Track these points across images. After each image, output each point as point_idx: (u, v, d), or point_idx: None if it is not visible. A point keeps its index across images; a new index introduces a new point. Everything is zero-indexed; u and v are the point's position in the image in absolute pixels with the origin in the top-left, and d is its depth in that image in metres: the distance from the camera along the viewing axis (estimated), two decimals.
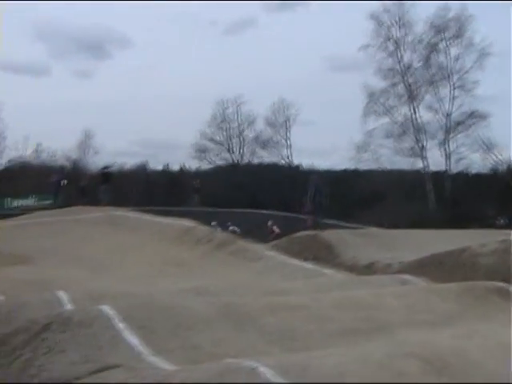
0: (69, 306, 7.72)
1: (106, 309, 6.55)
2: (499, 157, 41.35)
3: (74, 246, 18.88)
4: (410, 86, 46.10)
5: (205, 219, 20.80)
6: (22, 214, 31.51)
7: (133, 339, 6.07)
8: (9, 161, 53.39)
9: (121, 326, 6.27)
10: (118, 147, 76.98)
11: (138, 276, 14.13)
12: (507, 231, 14.50)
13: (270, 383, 4.23)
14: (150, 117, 69.14)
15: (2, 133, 51.42)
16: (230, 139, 53.15)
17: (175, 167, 55.52)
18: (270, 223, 24.18)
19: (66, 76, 79.37)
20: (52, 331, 6.28)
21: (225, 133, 53.15)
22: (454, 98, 45.75)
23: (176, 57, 78.40)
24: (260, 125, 53.04)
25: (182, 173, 52.90)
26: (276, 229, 22.98)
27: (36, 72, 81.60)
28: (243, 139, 53.24)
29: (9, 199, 42.86)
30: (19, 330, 6.69)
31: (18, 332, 6.64)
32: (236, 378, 4.27)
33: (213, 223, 20.92)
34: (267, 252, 15.09)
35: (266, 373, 4.36)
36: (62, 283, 11.78)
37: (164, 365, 5.36)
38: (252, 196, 41.03)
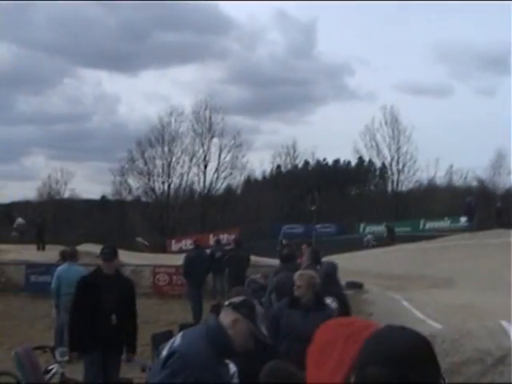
0: None
1: None
2: None
3: (496, 271, 18.25)
4: None
5: None
6: (437, 236, 32.10)
7: None
8: (416, 181, 54.94)
9: None
10: None
11: None
12: None
13: None
14: None
15: (412, 155, 53.03)
16: None
17: None
18: None
19: (468, 95, 78.59)
20: (508, 365, 6.07)
21: None
22: None
23: None
24: None
25: None
26: None
27: (439, 93, 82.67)
28: None
29: (423, 221, 44.08)
30: (471, 360, 6.63)
31: (470, 362, 6.59)
32: None
33: None
34: None
35: None
36: (488, 310, 11.45)
37: None
38: None
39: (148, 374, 5.66)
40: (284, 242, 37.97)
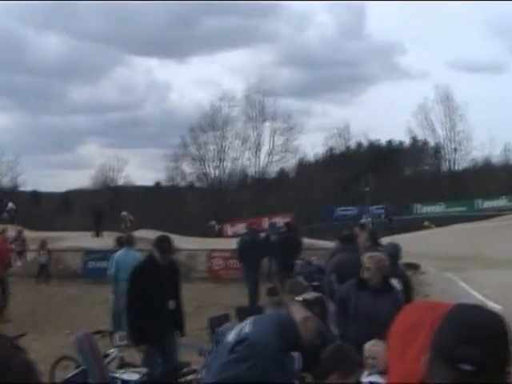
0: None
1: None
2: None
3: None
4: None
5: None
6: (494, 215, 31.44)
7: None
8: (472, 160, 53.67)
9: None
10: None
11: None
12: None
13: None
14: None
15: (467, 134, 51.80)
16: None
17: None
18: None
19: None
20: None
21: None
22: None
23: None
24: None
25: None
26: None
27: (494, 69, 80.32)
28: None
29: (479, 200, 43.17)
30: None
31: None
32: None
33: None
34: None
35: None
36: None
37: None
38: None
39: (208, 357, 5.68)
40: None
